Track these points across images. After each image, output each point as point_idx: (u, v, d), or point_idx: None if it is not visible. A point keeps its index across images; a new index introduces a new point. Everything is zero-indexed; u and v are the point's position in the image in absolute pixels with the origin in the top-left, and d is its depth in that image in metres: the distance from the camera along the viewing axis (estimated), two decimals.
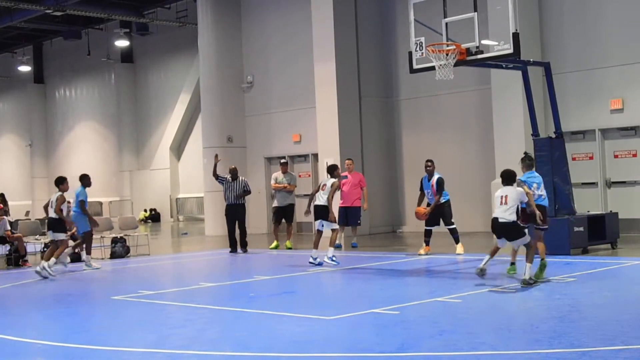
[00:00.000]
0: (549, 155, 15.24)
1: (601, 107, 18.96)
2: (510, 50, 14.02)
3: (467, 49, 14.47)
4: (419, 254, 15.83)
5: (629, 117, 18.57)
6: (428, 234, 15.99)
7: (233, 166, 19.25)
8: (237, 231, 18.66)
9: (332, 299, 11.46)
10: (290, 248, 18.72)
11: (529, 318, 8.90)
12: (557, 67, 17.88)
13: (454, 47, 14.46)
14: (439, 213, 15.89)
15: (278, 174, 19.29)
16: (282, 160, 20.21)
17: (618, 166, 18.80)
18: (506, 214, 11.02)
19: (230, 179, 18.53)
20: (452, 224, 16.06)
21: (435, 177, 15.88)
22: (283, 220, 19.05)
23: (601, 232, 15.29)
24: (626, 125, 18.63)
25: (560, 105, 16.15)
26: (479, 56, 14.50)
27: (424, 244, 15.97)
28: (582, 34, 19.31)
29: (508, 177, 11.33)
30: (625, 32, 18.63)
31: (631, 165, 18.61)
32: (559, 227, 14.49)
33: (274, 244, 19.05)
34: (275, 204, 19.19)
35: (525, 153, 12.81)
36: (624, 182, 18.69)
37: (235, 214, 18.52)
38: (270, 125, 25.78)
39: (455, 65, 14.55)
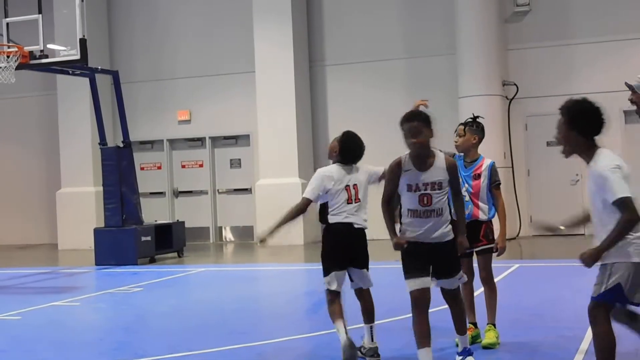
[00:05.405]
0: (116, 164, 15.04)
1: (170, 118, 19.30)
2: (78, 57, 13.70)
3: (31, 52, 13.84)
4: None
5: (195, 129, 19.14)
6: None
7: None
8: None
9: None
10: None
11: (94, 331, 8.62)
12: (127, 76, 17.86)
13: (16, 49, 13.73)
14: None
15: None
16: None
17: (185, 176, 19.28)
18: None
19: None
20: None
21: None
22: None
23: (168, 241, 15.48)
24: (193, 136, 19.19)
25: (130, 114, 16.09)
26: (44, 60, 13.97)
27: None
28: (151, 45, 19.48)
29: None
30: (192, 45, 19.13)
31: (197, 175, 19.19)
32: (126, 237, 14.49)
33: None
34: None
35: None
36: (190, 192, 19.23)
37: None
38: None
39: (18, 68, 13.82)
